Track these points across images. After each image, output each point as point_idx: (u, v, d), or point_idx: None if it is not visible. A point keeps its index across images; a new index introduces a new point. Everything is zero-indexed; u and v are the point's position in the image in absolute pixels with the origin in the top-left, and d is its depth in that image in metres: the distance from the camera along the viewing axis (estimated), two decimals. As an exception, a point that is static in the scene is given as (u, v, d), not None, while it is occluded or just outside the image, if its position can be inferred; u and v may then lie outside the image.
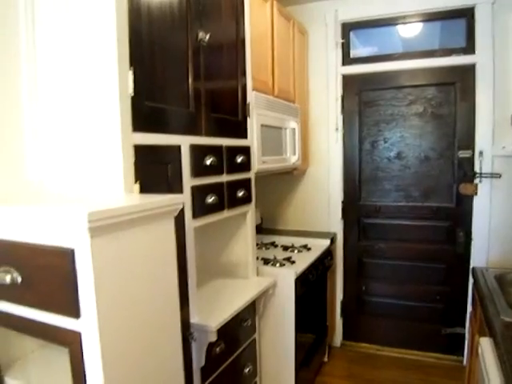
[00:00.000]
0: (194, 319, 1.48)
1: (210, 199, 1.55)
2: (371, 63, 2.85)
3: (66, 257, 0.89)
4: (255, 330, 2.04)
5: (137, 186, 1.18)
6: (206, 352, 1.52)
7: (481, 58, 2.56)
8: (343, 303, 3.08)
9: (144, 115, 1.23)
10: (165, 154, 1.33)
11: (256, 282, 1.95)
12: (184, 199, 1.34)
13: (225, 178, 1.68)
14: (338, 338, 3.09)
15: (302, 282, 2.13)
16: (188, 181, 1.44)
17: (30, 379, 1.24)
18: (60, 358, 1.37)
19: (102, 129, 1.16)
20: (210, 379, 1.60)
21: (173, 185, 1.36)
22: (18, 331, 1.08)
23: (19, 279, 0.96)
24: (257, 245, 2.27)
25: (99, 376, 0.92)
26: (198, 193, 1.50)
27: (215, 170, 1.60)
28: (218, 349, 1.65)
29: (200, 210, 1.51)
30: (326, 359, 2.86)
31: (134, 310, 1.02)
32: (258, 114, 1.94)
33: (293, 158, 2.44)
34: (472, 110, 2.63)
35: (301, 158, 2.57)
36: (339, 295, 3.06)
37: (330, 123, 2.94)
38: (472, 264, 2.68)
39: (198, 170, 1.49)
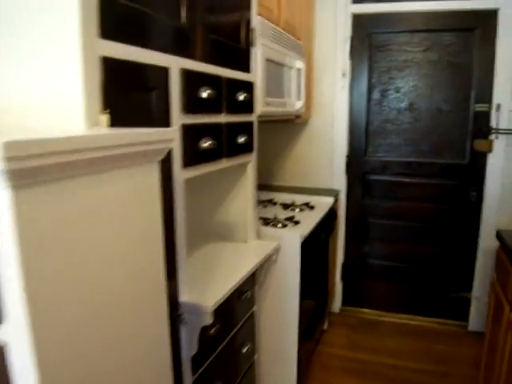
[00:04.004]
0: (184, 297, 1.18)
1: (206, 144, 1.23)
2: (384, 2, 2.49)
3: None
4: (254, 303, 1.79)
5: (105, 117, 0.83)
6: (199, 336, 1.24)
7: (505, 2, 2.28)
8: (344, 266, 2.87)
9: (117, 15, 0.87)
10: (147, 77, 0.98)
11: (257, 246, 1.68)
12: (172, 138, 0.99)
13: (223, 118, 1.35)
14: (337, 303, 2.90)
15: (307, 245, 1.87)
16: (178, 118, 1.10)
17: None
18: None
19: (55, 27, 0.79)
20: (203, 368, 1.33)
21: (157, 122, 1.03)
22: None
23: None
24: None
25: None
26: (191, 134, 1.17)
27: (212, 106, 1.27)
28: (212, 330, 1.37)
29: (193, 157, 1.19)
30: (325, 327, 2.68)
31: (96, 293, 0.71)
32: (263, 44, 1.59)
33: (297, 104, 2.11)
34: (491, 60, 2.38)
35: (305, 105, 2.24)
36: (340, 258, 2.84)
37: (336, 68, 2.60)
38: (482, 225, 2.53)
39: (192, 104, 1.15)
